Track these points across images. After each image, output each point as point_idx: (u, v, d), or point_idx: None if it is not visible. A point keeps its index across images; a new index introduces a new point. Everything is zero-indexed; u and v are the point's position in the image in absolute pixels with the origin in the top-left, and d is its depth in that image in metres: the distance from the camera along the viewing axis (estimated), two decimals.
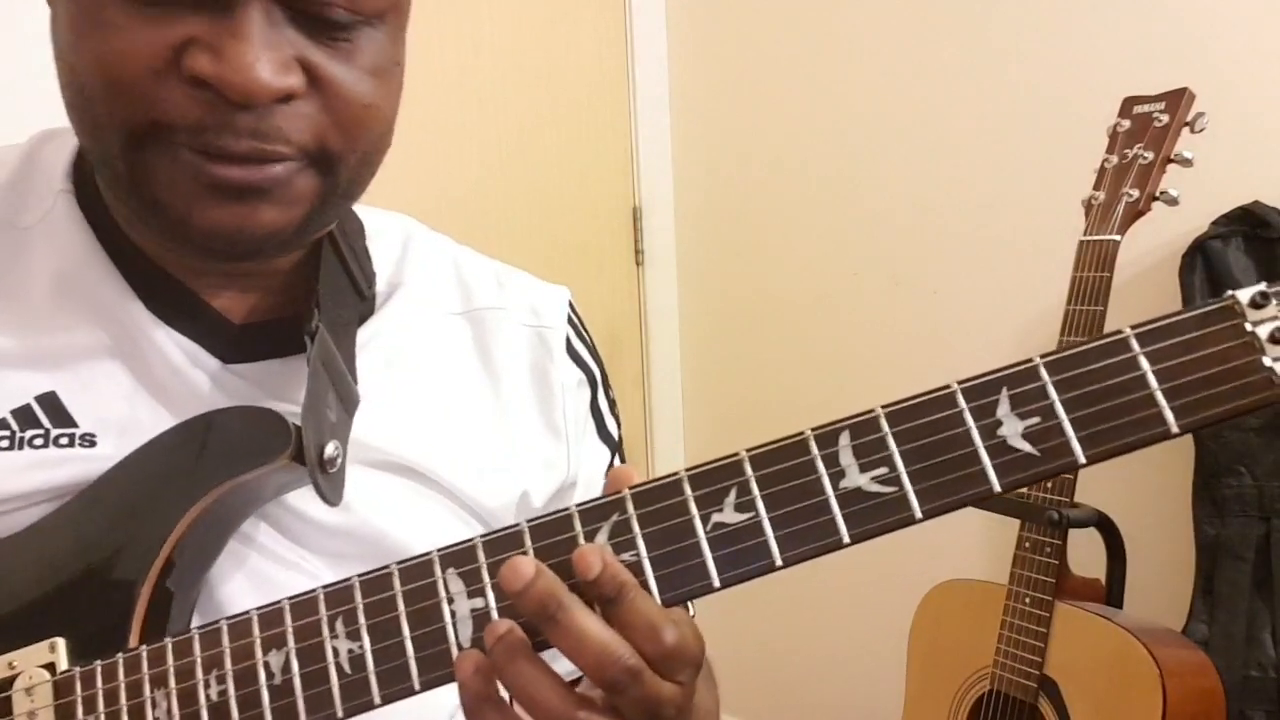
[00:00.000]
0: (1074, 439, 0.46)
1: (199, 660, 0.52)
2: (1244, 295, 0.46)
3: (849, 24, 1.96)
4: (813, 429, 0.49)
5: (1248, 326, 0.45)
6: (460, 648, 0.50)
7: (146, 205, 0.58)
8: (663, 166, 2.23)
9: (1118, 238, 1.28)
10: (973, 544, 1.77)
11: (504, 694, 0.50)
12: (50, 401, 0.61)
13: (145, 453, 0.60)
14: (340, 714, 0.50)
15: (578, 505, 0.51)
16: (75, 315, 0.63)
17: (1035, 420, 0.47)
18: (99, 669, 0.54)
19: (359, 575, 0.52)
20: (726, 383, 2.22)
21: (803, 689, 2.18)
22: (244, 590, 0.62)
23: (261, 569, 0.63)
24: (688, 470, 0.50)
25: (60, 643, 0.55)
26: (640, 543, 0.49)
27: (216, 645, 0.52)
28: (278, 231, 0.59)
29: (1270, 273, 1.45)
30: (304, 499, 0.63)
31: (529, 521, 0.51)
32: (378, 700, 0.50)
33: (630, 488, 0.50)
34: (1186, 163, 1.27)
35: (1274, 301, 0.45)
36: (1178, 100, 1.29)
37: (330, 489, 0.60)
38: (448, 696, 0.66)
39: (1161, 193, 1.28)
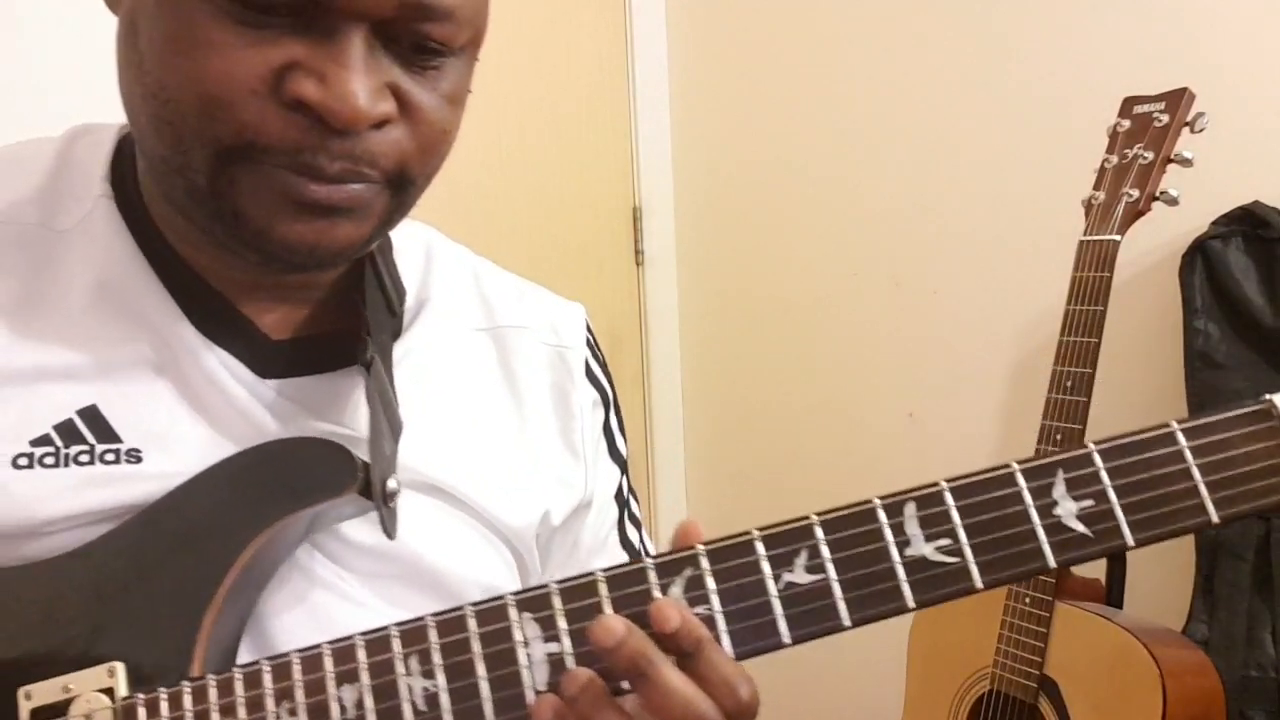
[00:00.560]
0: (1124, 523, 0.50)
1: (269, 692, 0.52)
2: None
3: (849, 24, 1.96)
4: (879, 498, 0.51)
5: None
6: (536, 691, 0.51)
7: (225, 216, 0.58)
8: (663, 166, 2.23)
9: (1118, 238, 1.28)
10: None
11: None
12: (92, 415, 0.60)
13: (208, 478, 0.60)
14: None
15: (652, 558, 0.52)
16: (115, 325, 0.62)
17: (1089, 503, 0.50)
18: (164, 697, 0.53)
19: (432, 615, 0.53)
20: (726, 383, 2.22)
21: (802, 689, 2.18)
22: (284, 608, 0.62)
23: (301, 588, 0.62)
24: (759, 530, 0.52)
25: (119, 667, 0.54)
26: (714, 598, 0.51)
27: (287, 678, 0.52)
28: (350, 246, 0.60)
29: (1270, 273, 1.45)
30: (346, 522, 0.64)
31: (604, 571, 0.52)
32: None
33: (703, 543, 0.52)
34: (1186, 163, 1.27)
35: None
36: (1178, 100, 1.29)
37: (390, 523, 0.61)
38: None
39: (1161, 193, 1.28)
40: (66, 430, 0.59)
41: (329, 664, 0.52)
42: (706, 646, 0.50)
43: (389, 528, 0.61)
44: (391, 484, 0.61)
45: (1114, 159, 1.31)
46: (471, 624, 0.52)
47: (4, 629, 0.56)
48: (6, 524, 0.57)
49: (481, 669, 0.51)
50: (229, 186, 0.56)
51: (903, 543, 0.51)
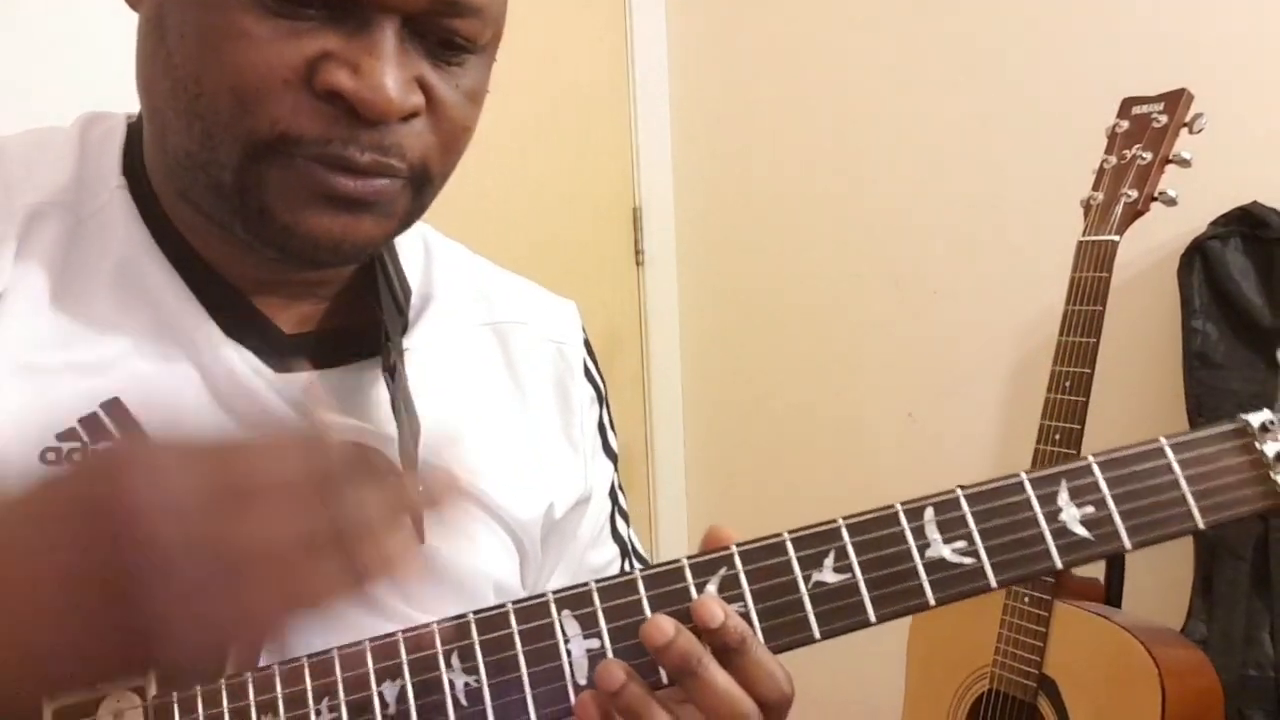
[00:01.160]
0: (1122, 528, 0.55)
1: (310, 689, 0.52)
2: (1255, 420, 0.56)
3: (849, 24, 1.96)
4: (901, 503, 0.55)
5: (1257, 445, 0.56)
6: (576, 685, 0.52)
7: (250, 213, 0.58)
8: (663, 166, 2.23)
9: (1116, 238, 1.28)
10: None
11: None
12: (116, 408, 0.60)
13: None
14: None
15: (688, 558, 0.54)
16: (134, 315, 0.62)
17: (1090, 510, 0.55)
18: (200, 694, 0.52)
19: (474, 612, 0.53)
20: (726, 383, 2.22)
21: (802, 688, 2.18)
22: None
23: None
24: (790, 532, 0.55)
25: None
26: (748, 596, 0.54)
27: (329, 674, 0.52)
28: (372, 243, 0.61)
29: (1269, 274, 1.46)
30: None
31: (642, 571, 0.54)
32: None
33: (736, 545, 0.54)
34: (1185, 163, 1.28)
35: (1279, 428, 0.56)
36: (1176, 101, 1.29)
37: (419, 526, 0.61)
38: None
39: (1160, 193, 1.28)
40: (92, 424, 0.59)
41: (370, 660, 0.53)
42: (749, 641, 0.52)
43: (419, 532, 0.61)
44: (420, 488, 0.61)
45: (1113, 159, 1.32)
46: (513, 621, 0.53)
47: None
48: None
49: (524, 664, 0.52)
50: (256, 183, 0.57)
51: (923, 545, 0.54)
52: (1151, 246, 1.53)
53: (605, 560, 0.79)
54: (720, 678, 0.51)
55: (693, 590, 0.53)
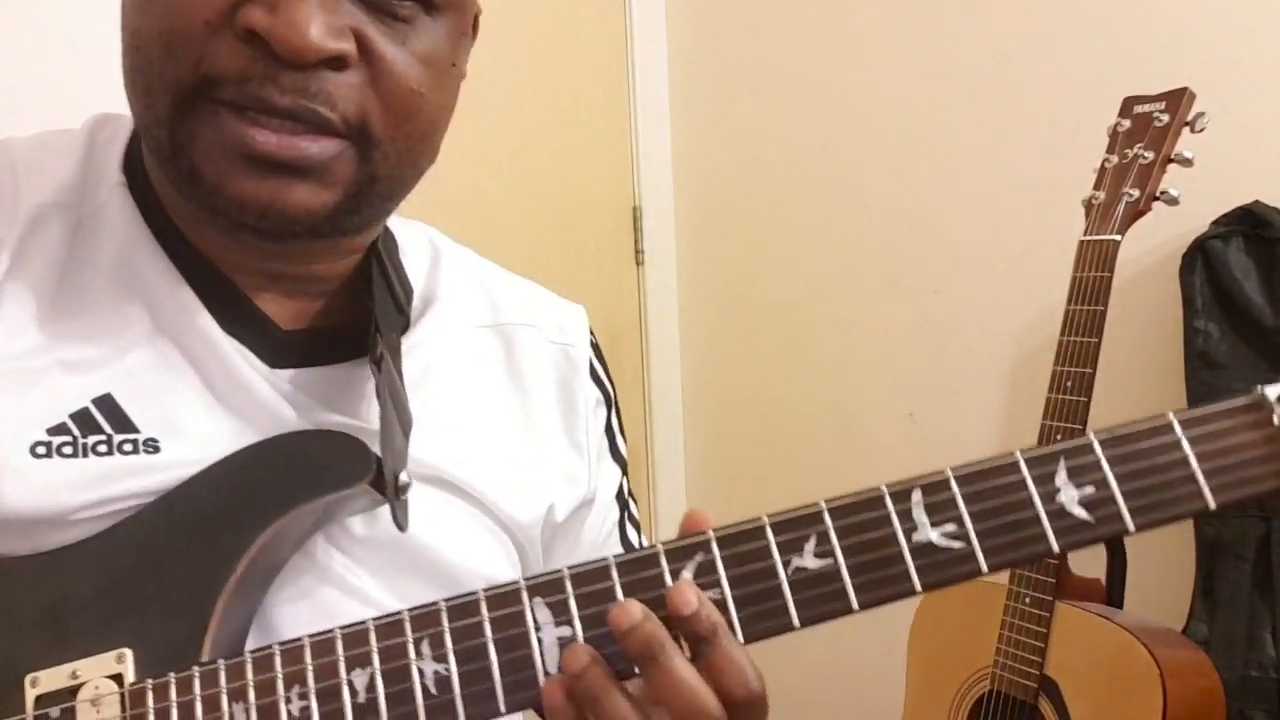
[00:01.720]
0: (1125, 509, 0.51)
1: (280, 676, 0.52)
2: (1272, 393, 0.53)
3: (849, 24, 1.96)
4: (887, 485, 0.52)
5: (1275, 419, 0.52)
6: (547, 674, 0.51)
7: (184, 174, 0.58)
8: (663, 166, 2.23)
9: (1118, 238, 1.28)
10: None
11: None
12: (107, 404, 0.60)
13: (222, 469, 0.60)
14: None
15: (663, 543, 0.52)
16: (129, 309, 0.62)
17: (1090, 490, 0.52)
18: (173, 681, 0.53)
19: (445, 600, 0.53)
20: (726, 383, 2.22)
21: (802, 689, 2.18)
22: (292, 600, 0.62)
23: (309, 581, 0.63)
24: (769, 516, 0.53)
25: (128, 654, 0.54)
26: (725, 582, 0.52)
27: (299, 662, 0.52)
28: (310, 212, 0.59)
29: (1270, 273, 1.45)
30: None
31: (616, 557, 0.52)
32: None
33: (714, 530, 0.52)
34: (1187, 163, 1.27)
35: None
36: (1178, 100, 1.29)
37: (403, 514, 0.62)
38: None
39: (1162, 193, 1.28)
40: (83, 419, 0.59)
41: (341, 648, 0.52)
42: (721, 632, 0.50)
43: (400, 520, 0.61)
44: (403, 477, 0.61)
45: (1114, 159, 1.31)
46: (484, 609, 0.52)
47: (16, 618, 0.56)
48: (24, 512, 0.57)
49: (493, 653, 0.51)
50: (187, 141, 0.57)
51: (909, 529, 0.52)
52: (1153, 246, 1.53)
53: None
54: (684, 669, 0.50)
55: (667, 577, 0.52)
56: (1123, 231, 1.28)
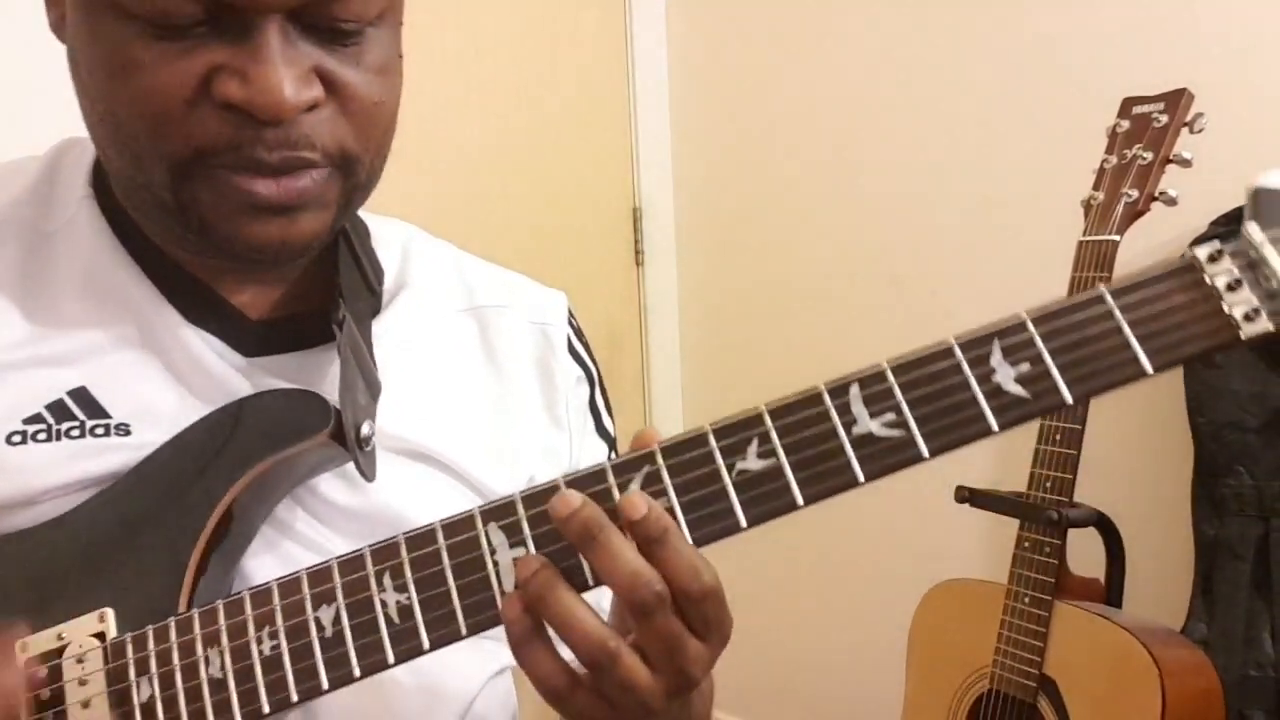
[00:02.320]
0: (1061, 382, 0.51)
1: (250, 618, 0.55)
2: (1202, 252, 0.52)
3: (848, 24, 1.96)
4: (824, 383, 0.53)
5: (1207, 279, 0.51)
6: (504, 593, 0.53)
7: (194, 229, 0.61)
8: (663, 166, 2.24)
9: (1117, 238, 1.28)
10: (972, 544, 1.77)
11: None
12: (82, 395, 0.63)
13: (188, 434, 0.62)
14: (391, 660, 0.53)
15: (610, 460, 0.54)
16: (101, 313, 0.65)
17: (1025, 367, 0.52)
18: (150, 632, 0.56)
19: (404, 533, 0.55)
20: (726, 382, 2.22)
21: (803, 688, 2.18)
22: (273, 571, 0.62)
23: (289, 551, 0.65)
24: (712, 425, 0.53)
25: (109, 613, 0.57)
26: (671, 491, 0.53)
27: (267, 604, 0.55)
28: (315, 236, 0.63)
29: None
30: (330, 484, 0.66)
31: (565, 477, 0.54)
32: (427, 645, 0.53)
33: (659, 442, 0.54)
34: (1186, 163, 1.27)
35: (1228, 256, 0.51)
36: (1177, 100, 1.29)
37: (368, 466, 0.64)
38: (461, 687, 0.67)
39: (1161, 193, 1.28)
40: (57, 409, 0.62)
41: (306, 587, 0.55)
42: (672, 533, 0.51)
43: (366, 471, 0.63)
44: (365, 429, 0.63)
45: (1113, 159, 1.32)
46: (440, 537, 0.54)
47: (1, 592, 0.58)
48: (2, 496, 0.60)
49: (451, 578, 0.53)
50: (191, 201, 0.60)
51: (849, 422, 0.52)
52: (1152, 246, 1.53)
53: None
54: (623, 546, 0.51)
55: (615, 491, 0.53)
56: (1122, 232, 1.28)
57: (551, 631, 0.53)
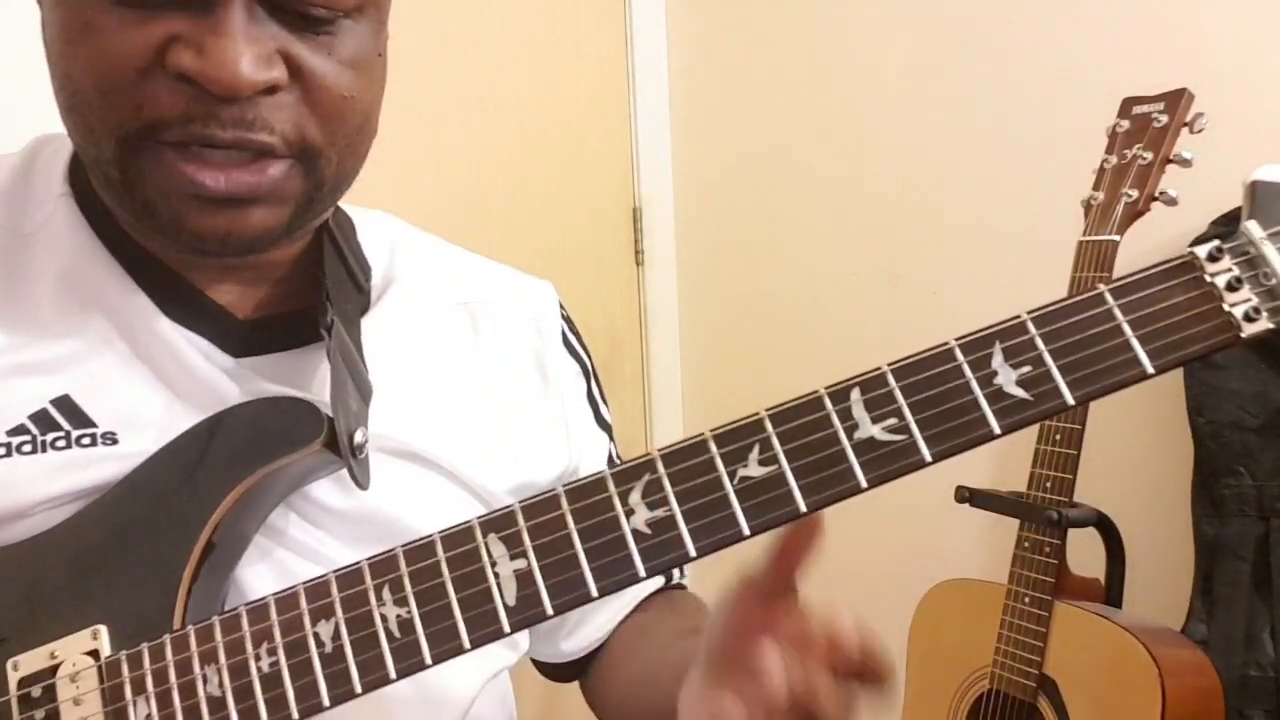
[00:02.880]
0: (1062, 383, 0.51)
1: (248, 635, 0.54)
2: (1201, 251, 0.51)
3: (849, 24, 1.96)
4: (825, 387, 0.53)
5: (1207, 278, 0.51)
6: (506, 607, 0.52)
7: (139, 208, 0.59)
8: (663, 166, 2.23)
9: (1117, 238, 1.28)
10: (972, 544, 1.77)
11: None
12: (66, 404, 0.61)
13: (178, 444, 0.61)
14: (393, 675, 0.52)
15: (610, 469, 0.53)
16: (83, 316, 0.63)
17: (1027, 369, 0.51)
18: (146, 650, 0.55)
19: (402, 546, 0.54)
20: (726, 383, 2.22)
21: None
22: (266, 578, 0.63)
23: (283, 559, 0.64)
24: (712, 431, 0.53)
25: (102, 630, 0.56)
26: (672, 499, 0.52)
27: (265, 620, 0.54)
28: (268, 231, 0.60)
29: None
30: (322, 487, 0.65)
31: (564, 486, 0.53)
32: (429, 660, 0.52)
33: (658, 450, 0.53)
34: (1186, 163, 1.27)
35: (1227, 255, 0.51)
36: (1177, 100, 1.29)
37: (362, 474, 0.62)
38: (460, 690, 0.67)
39: (1161, 193, 1.28)
40: (41, 419, 0.61)
41: (304, 602, 0.54)
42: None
43: (360, 479, 0.62)
44: (359, 436, 0.62)
45: (1113, 159, 1.31)
46: (440, 550, 0.53)
47: None
48: None
49: (452, 591, 0.52)
50: (137, 180, 0.58)
51: (851, 427, 0.52)
52: (1152, 246, 1.52)
53: None
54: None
55: (616, 501, 0.52)
56: (1122, 232, 1.28)
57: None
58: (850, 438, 0.51)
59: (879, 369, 0.53)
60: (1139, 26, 1.62)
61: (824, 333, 2.04)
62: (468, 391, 0.73)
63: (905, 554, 1.90)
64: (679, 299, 2.28)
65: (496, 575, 0.52)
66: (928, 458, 0.51)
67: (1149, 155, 1.28)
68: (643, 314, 2.24)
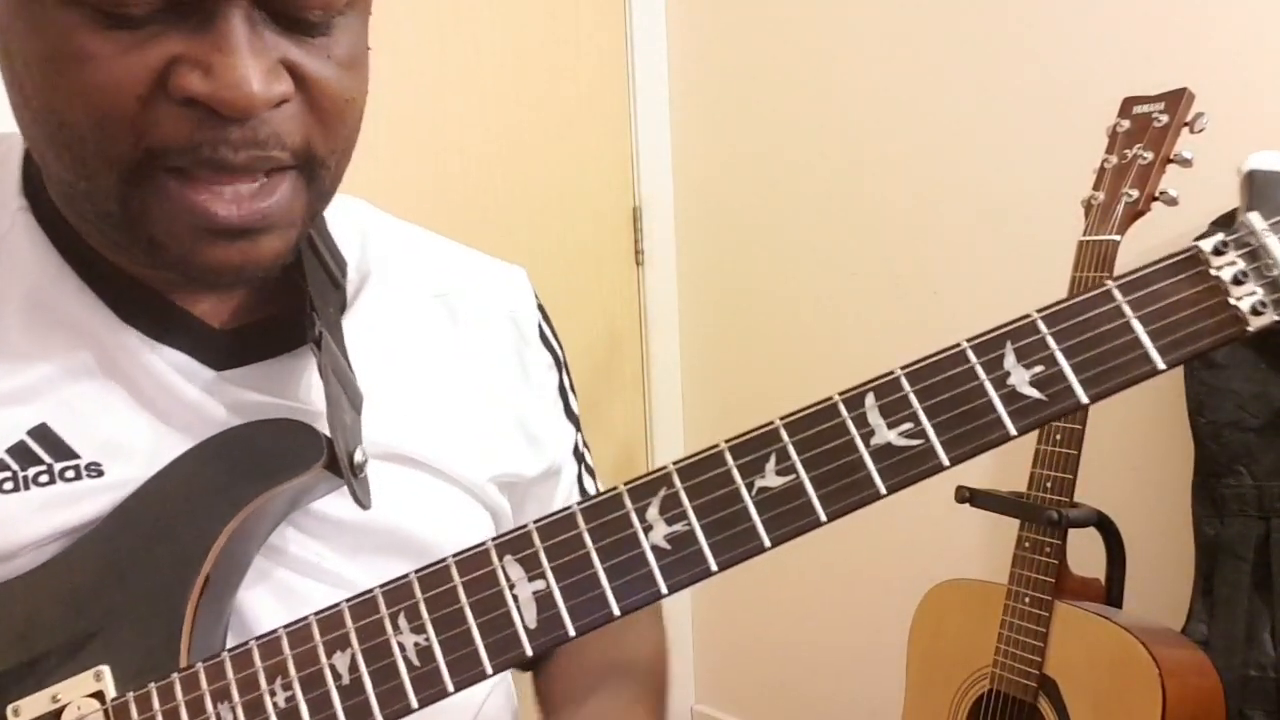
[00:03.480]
0: (1075, 383, 0.51)
1: (261, 670, 0.52)
2: (1206, 245, 0.51)
3: (849, 24, 1.96)
4: (839, 394, 0.52)
5: (1213, 272, 0.51)
6: (527, 630, 0.51)
7: (143, 244, 0.55)
8: (663, 166, 2.23)
9: (1117, 238, 1.28)
10: (972, 544, 1.77)
11: None
12: (43, 434, 0.58)
13: (172, 472, 0.59)
14: (415, 705, 0.51)
15: (625, 484, 0.52)
16: (51, 340, 0.60)
17: (1040, 369, 0.51)
18: (154, 691, 0.53)
19: (415, 571, 0.52)
20: (726, 383, 2.22)
21: (803, 688, 2.18)
22: (267, 600, 0.61)
23: (283, 577, 0.62)
24: (727, 442, 0.52)
25: (105, 671, 0.54)
26: (691, 514, 0.51)
27: (278, 653, 0.52)
28: (279, 257, 0.58)
29: None
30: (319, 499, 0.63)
31: (579, 504, 0.52)
32: (451, 688, 0.51)
33: (674, 463, 0.52)
34: (1186, 163, 1.27)
35: (1232, 249, 0.51)
36: (1177, 100, 1.29)
37: (363, 493, 0.61)
38: (472, 692, 0.66)
39: (1161, 193, 1.28)
40: (20, 452, 0.57)
41: (318, 633, 0.52)
42: None
43: (362, 499, 0.60)
44: (358, 455, 0.60)
45: (1113, 159, 1.31)
46: (455, 574, 0.52)
47: None
48: None
49: (471, 617, 0.51)
50: (141, 214, 0.54)
51: (867, 433, 0.51)
52: (1153, 246, 1.52)
53: None
54: None
55: (633, 517, 0.51)
56: (1122, 232, 1.28)
57: None
58: (867, 444, 0.51)
59: (892, 373, 0.52)
60: (1139, 26, 1.62)
61: (824, 333, 2.04)
62: (449, 386, 0.72)
63: (905, 554, 1.90)
64: (679, 299, 2.27)
65: (516, 598, 0.51)
66: (945, 462, 0.51)
67: (1149, 155, 1.28)
68: (643, 314, 2.24)
